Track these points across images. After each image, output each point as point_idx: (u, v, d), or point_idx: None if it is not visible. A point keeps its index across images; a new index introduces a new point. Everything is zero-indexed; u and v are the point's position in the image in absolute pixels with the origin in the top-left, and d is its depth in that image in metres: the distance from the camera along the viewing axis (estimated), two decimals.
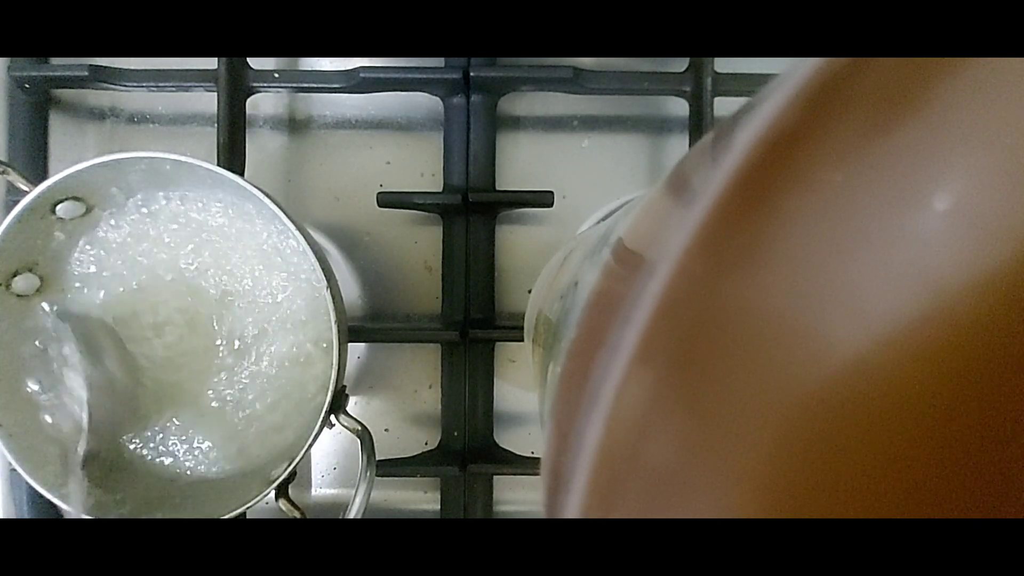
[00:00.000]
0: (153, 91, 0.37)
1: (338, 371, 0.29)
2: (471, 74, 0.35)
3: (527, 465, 0.37)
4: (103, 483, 0.31)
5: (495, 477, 0.38)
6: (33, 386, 0.31)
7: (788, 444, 0.08)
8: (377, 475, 0.30)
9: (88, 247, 0.32)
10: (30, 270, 0.31)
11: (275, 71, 0.36)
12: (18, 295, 0.31)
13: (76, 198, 0.30)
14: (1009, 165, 0.07)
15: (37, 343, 0.30)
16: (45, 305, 0.30)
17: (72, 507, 0.29)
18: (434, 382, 0.39)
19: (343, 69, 0.36)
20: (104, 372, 0.30)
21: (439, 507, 0.38)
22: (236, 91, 0.35)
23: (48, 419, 0.29)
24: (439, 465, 0.37)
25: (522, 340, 0.36)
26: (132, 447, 0.33)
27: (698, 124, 0.36)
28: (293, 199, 0.38)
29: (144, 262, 0.33)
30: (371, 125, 0.39)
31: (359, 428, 0.30)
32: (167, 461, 0.33)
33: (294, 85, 0.36)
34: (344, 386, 0.32)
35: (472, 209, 0.37)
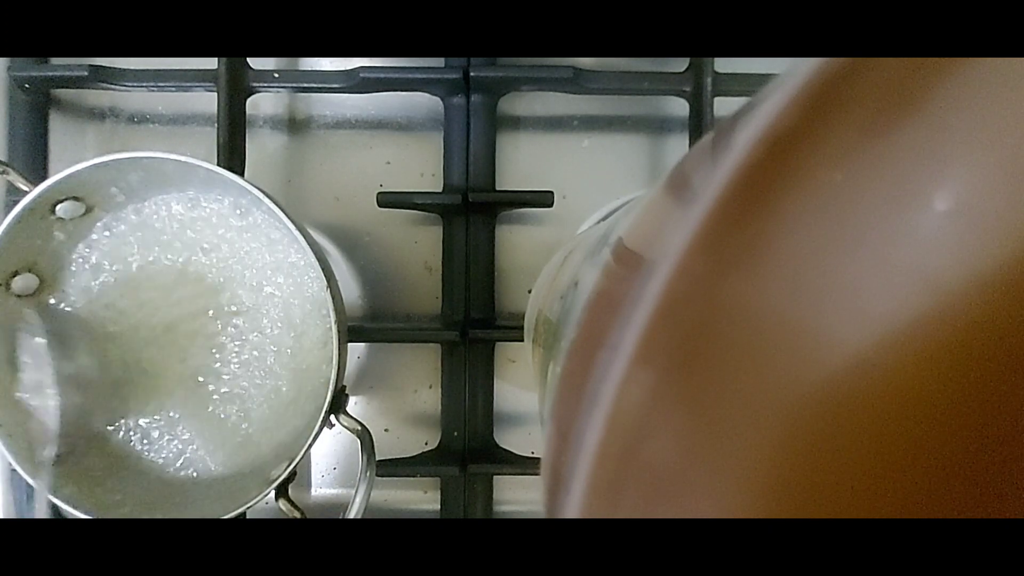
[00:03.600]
0: (153, 91, 0.37)
1: (338, 371, 0.29)
2: (471, 74, 0.35)
3: (527, 465, 0.37)
4: (103, 483, 0.31)
5: (495, 477, 0.38)
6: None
7: (788, 444, 0.08)
8: (377, 475, 0.30)
9: (88, 247, 0.32)
10: (30, 270, 0.31)
11: (275, 71, 0.36)
12: (18, 295, 0.31)
13: (76, 198, 0.30)
14: (1009, 165, 0.07)
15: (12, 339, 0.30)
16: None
17: (40, 504, 0.29)
18: (434, 382, 0.39)
19: (343, 69, 0.36)
20: (74, 366, 0.30)
21: (439, 507, 0.38)
22: (236, 91, 0.35)
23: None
24: (439, 465, 0.37)
25: (522, 340, 0.36)
26: (132, 446, 0.33)
27: (698, 124, 0.35)
28: (293, 199, 0.38)
29: (144, 263, 0.33)
30: (371, 125, 0.39)
31: (359, 428, 0.30)
32: (167, 461, 0.33)
33: (294, 85, 0.36)
34: (344, 386, 0.32)
35: (472, 209, 0.37)
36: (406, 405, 0.39)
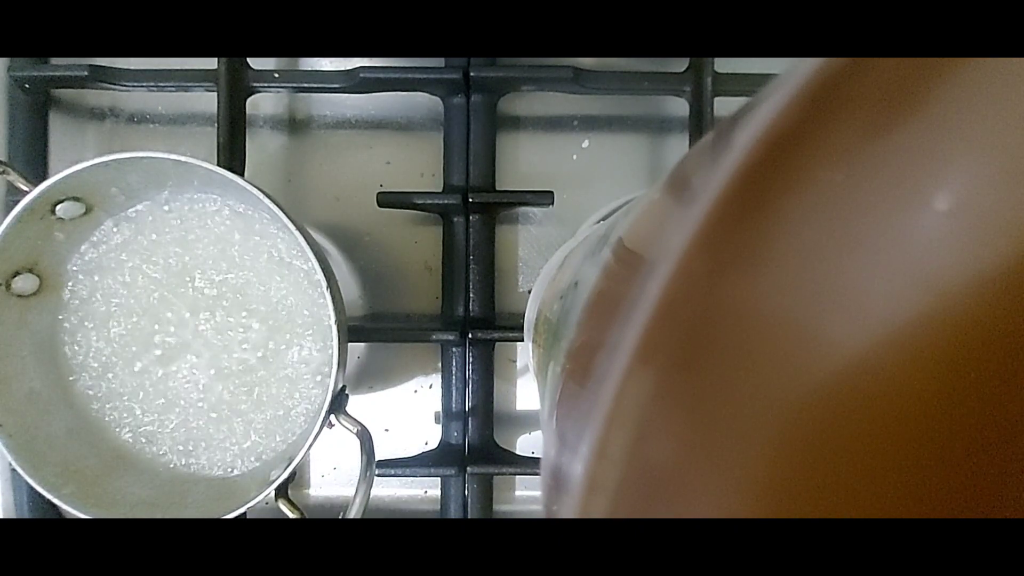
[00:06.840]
0: (153, 91, 0.37)
1: (338, 371, 0.29)
2: (471, 74, 0.35)
3: (527, 465, 0.37)
4: (103, 483, 0.31)
5: (495, 477, 0.38)
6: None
7: (788, 444, 0.08)
8: (377, 475, 0.30)
9: (88, 247, 0.32)
10: (30, 270, 0.31)
11: (275, 71, 0.36)
12: (18, 295, 0.31)
13: (76, 198, 0.30)
14: (1009, 165, 0.07)
15: None
16: None
17: None
18: (434, 382, 0.39)
19: (343, 69, 0.36)
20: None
21: (439, 507, 0.38)
22: (236, 91, 0.35)
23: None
24: (439, 465, 0.37)
25: (522, 340, 0.36)
26: (132, 446, 0.33)
27: (698, 124, 0.35)
28: (293, 199, 0.38)
29: (144, 262, 0.33)
30: (371, 125, 0.39)
31: (359, 428, 0.30)
32: (166, 460, 0.33)
33: (294, 85, 0.36)
34: (344, 386, 0.32)
35: (472, 209, 0.37)
36: (406, 405, 0.39)
